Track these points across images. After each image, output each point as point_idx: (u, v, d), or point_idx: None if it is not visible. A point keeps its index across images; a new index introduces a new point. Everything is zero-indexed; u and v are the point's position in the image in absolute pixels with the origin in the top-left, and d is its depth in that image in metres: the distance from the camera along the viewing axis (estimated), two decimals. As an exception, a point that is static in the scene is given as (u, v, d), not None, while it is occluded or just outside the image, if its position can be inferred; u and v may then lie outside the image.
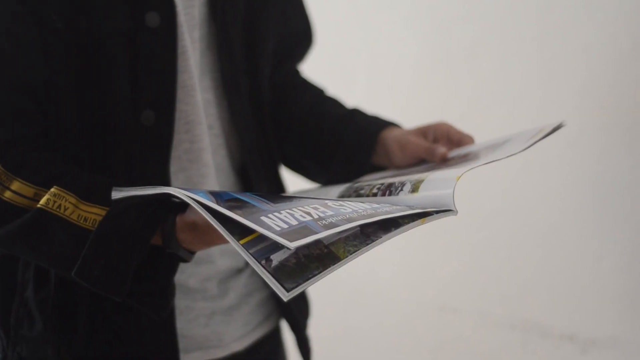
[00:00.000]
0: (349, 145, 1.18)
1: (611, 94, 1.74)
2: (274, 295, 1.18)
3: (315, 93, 1.29)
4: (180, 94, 1.04)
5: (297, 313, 1.20)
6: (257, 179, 1.15)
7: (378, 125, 1.20)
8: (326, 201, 0.85)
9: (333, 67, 2.08)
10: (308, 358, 1.22)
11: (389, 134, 1.17)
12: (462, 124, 1.94)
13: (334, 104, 1.27)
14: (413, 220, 0.82)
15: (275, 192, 1.17)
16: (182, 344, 1.07)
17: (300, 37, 1.28)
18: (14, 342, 1.03)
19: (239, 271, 1.15)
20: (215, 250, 1.11)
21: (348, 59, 2.09)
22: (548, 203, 1.83)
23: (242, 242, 0.76)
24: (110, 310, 1.03)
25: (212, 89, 1.10)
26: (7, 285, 1.05)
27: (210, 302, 1.11)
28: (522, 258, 1.87)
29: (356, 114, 1.23)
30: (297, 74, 1.33)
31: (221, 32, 1.08)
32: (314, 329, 2.08)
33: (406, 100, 2.02)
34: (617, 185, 1.75)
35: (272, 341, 1.20)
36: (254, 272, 1.15)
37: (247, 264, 1.14)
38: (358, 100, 2.13)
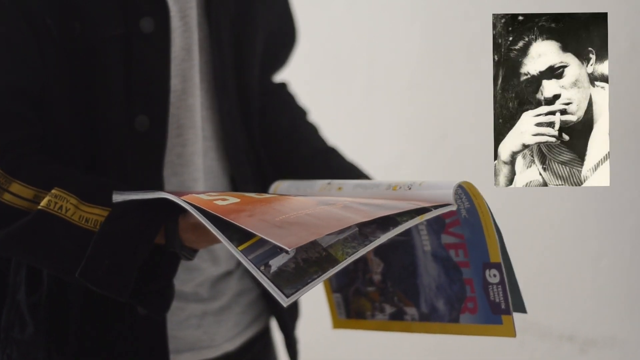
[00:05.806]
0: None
1: (609, 93, 1.73)
2: (264, 296, 1.18)
3: (296, 115, 1.27)
4: (171, 98, 1.04)
5: (286, 314, 1.20)
6: (244, 182, 1.15)
7: (352, 174, 1.16)
8: (323, 201, 0.85)
9: (332, 67, 2.08)
10: (295, 358, 1.23)
11: None
12: (460, 125, 1.95)
13: (312, 132, 1.25)
14: (412, 218, 0.82)
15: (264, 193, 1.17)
16: (173, 345, 1.07)
17: (286, 35, 1.25)
18: (3, 344, 1.04)
19: (229, 274, 1.15)
20: (206, 256, 1.12)
21: (347, 58, 2.08)
22: (546, 203, 1.82)
23: (240, 248, 0.77)
24: (101, 315, 1.03)
25: (203, 91, 1.10)
26: None
27: (202, 304, 1.12)
28: (520, 258, 1.86)
29: (332, 155, 1.21)
30: (283, 87, 1.31)
31: (214, 33, 1.08)
32: (314, 327, 2.08)
33: (405, 100, 2.02)
34: (616, 185, 1.74)
35: (263, 340, 1.21)
36: (244, 274, 1.15)
37: (237, 266, 1.14)
38: (357, 100, 2.14)
